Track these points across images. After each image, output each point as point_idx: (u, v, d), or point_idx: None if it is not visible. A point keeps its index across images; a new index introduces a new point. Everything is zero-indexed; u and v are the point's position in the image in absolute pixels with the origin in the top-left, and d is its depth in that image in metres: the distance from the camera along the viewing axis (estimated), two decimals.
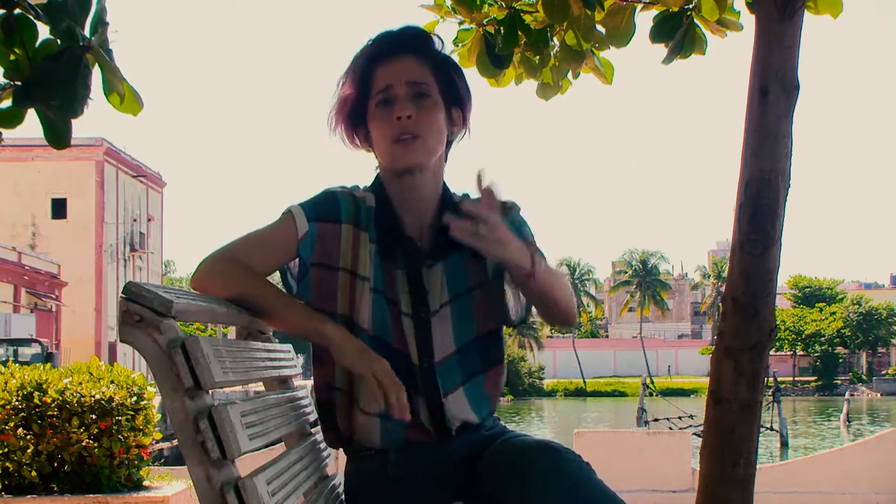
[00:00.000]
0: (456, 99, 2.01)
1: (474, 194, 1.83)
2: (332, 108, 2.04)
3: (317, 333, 1.85)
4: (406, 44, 1.99)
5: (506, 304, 2.04)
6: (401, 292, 1.95)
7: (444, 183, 2.03)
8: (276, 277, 2.00)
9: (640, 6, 3.02)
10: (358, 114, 2.00)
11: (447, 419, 1.93)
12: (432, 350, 1.94)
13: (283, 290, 1.95)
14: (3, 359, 21.85)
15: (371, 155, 2.05)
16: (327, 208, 1.96)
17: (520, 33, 3.08)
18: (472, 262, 1.99)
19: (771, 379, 30.44)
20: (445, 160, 2.03)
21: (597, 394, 68.74)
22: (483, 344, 2.00)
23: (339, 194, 1.99)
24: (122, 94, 1.99)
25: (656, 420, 30.93)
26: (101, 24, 1.92)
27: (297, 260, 1.94)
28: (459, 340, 1.97)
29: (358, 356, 1.80)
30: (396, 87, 1.94)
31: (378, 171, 2.05)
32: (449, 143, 2.03)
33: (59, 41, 1.91)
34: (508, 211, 1.96)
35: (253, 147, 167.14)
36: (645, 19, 3.05)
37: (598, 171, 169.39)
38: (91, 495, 4.77)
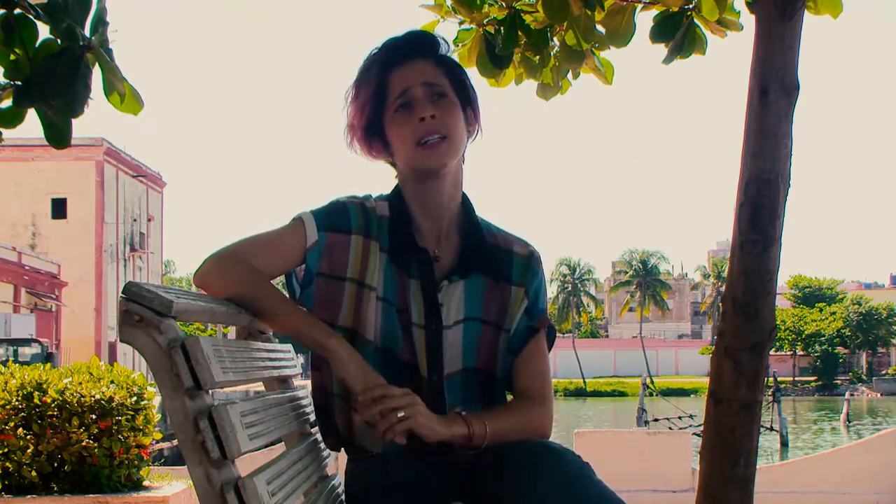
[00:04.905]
0: (468, 98, 2.00)
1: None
2: (346, 120, 2.00)
3: (320, 346, 1.84)
4: (417, 47, 1.97)
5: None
6: (413, 303, 1.93)
7: (464, 193, 2.02)
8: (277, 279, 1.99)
9: (640, 6, 3.01)
10: (375, 123, 1.97)
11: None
12: (442, 363, 1.93)
13: (286, 292, 1.95)
14: (3, 359, 21.83)
15: (384, 164, 2.03)
16: (337, 218, 1.95)
17: (520, 33, 3.07)
18: (493, 297, 1.99)
19: (771, 379, 30.45)
20: (463, 161, 2.00)
21: (597, 394, 68.71)
22: (485, 379, 1.98)
23: (349, 205, 1.98)
24: (123, 94, 1.99)
25: (656, 420, 30.91)
26: (101, 23, 1.92)
27: (303, 266, 1.94)
28: (465, 362, 1.95)
29: (361, 376, 1.79)
30: (414, 90, 1.92)
31: (397, 179, 2.02)
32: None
33: (59, 41, 1.91)
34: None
35: (253, 147, 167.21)
36: (645, 19, 3.05)
37: (599, 170, 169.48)
38: (91, 495, 4.76)
